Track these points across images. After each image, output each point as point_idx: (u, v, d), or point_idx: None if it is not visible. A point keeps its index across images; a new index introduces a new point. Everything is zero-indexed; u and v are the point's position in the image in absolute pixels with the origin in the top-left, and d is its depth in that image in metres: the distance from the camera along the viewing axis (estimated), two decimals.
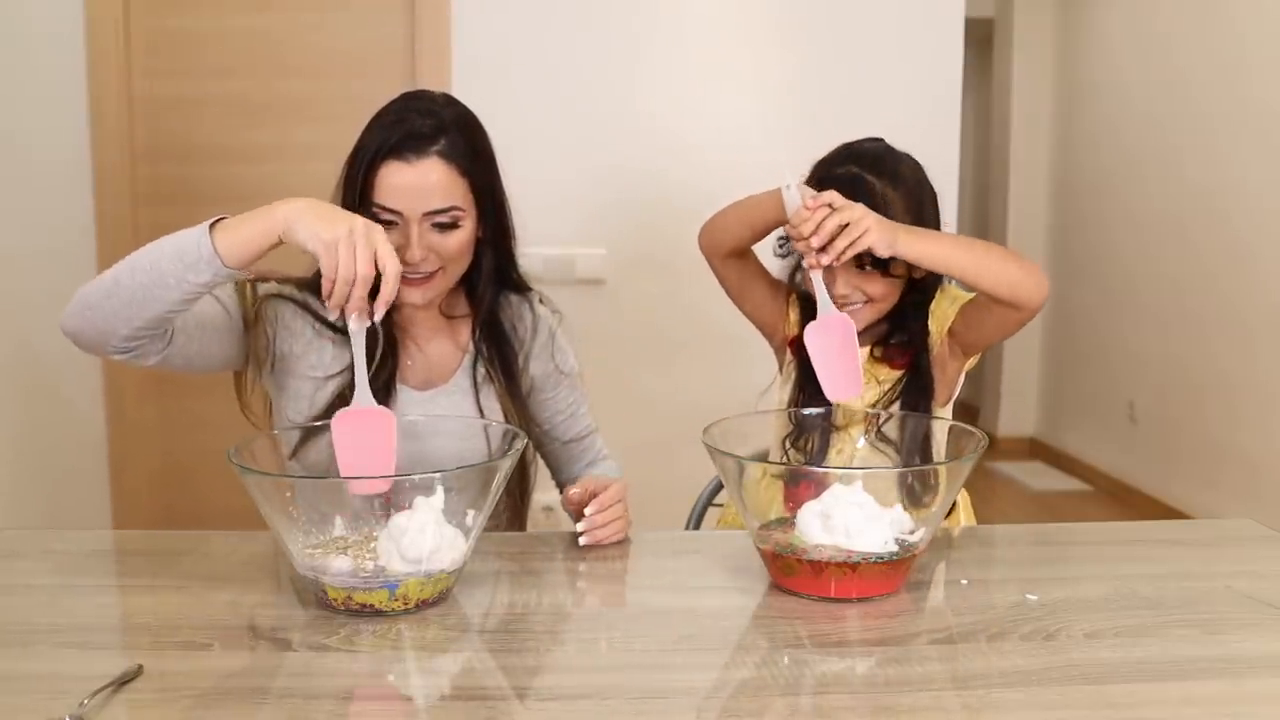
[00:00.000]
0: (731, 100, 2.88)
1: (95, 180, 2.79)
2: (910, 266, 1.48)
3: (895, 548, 1.15)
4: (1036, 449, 5.62)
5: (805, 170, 1.56)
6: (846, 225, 1.32)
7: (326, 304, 1.21)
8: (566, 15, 2.83)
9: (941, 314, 1.55)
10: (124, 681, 0.93)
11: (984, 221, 5.92)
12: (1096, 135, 5.01)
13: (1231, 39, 3.94)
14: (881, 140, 1.57)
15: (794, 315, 1.63)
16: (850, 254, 1.34)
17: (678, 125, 2.87)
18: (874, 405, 1.53)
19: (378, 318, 1.22)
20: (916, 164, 1.55)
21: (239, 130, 2.85)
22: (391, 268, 1.20)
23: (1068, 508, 4.75)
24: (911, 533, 1.16)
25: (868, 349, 1.55)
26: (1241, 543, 1.39)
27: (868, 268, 1.47)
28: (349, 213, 1.24)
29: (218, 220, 1.23)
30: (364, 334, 1.23)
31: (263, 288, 1.47)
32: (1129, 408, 4.70)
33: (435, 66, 2.67)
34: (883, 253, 1.35)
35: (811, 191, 1.36)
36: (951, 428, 1.34)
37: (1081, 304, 5.18)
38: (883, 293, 1.51)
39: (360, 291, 1.19)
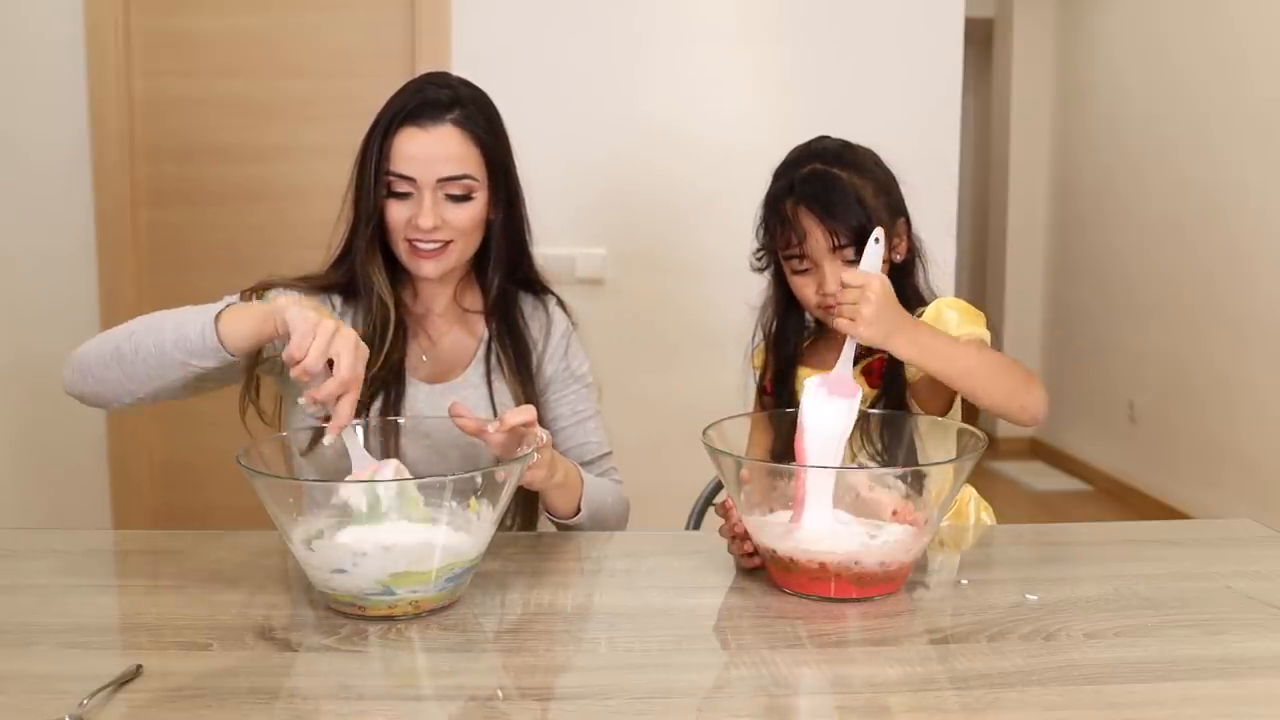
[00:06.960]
0: (732, 100, 2.88)
1: (95, 180, 2.79)
2: (892, 250, 1.48)
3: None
4: (1036, 449, 5.62)
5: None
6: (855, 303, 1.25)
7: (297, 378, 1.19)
8: (567, 15, 2.83)
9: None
10: (124, 681, 0.93)
11: (984, 221, 5.93)
12: (1096, 135, 5.01)
13: (1231, 39, 3.95)
14: (830, 137, 1.57)
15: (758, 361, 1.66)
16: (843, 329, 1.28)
17: (678, 125, 2.87)
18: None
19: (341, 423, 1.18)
20: (875, 154, 1.55)
21: (239, 130, 2.86)
22: (346, 362, 1.16)
23: (1068, 508, 4.75)
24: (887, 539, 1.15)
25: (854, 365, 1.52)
26: (1241, 543, 1.39)
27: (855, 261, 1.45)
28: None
29: (219, 312, 1.25)
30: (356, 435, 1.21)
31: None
32: (1129, 407, 4.70)
33: (435, 66, 2.64)
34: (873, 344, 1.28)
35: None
36: (943, 425, 1.33)
37: (1081, 304, 5.18)
38: None
39: (331, 388, 1.16)
